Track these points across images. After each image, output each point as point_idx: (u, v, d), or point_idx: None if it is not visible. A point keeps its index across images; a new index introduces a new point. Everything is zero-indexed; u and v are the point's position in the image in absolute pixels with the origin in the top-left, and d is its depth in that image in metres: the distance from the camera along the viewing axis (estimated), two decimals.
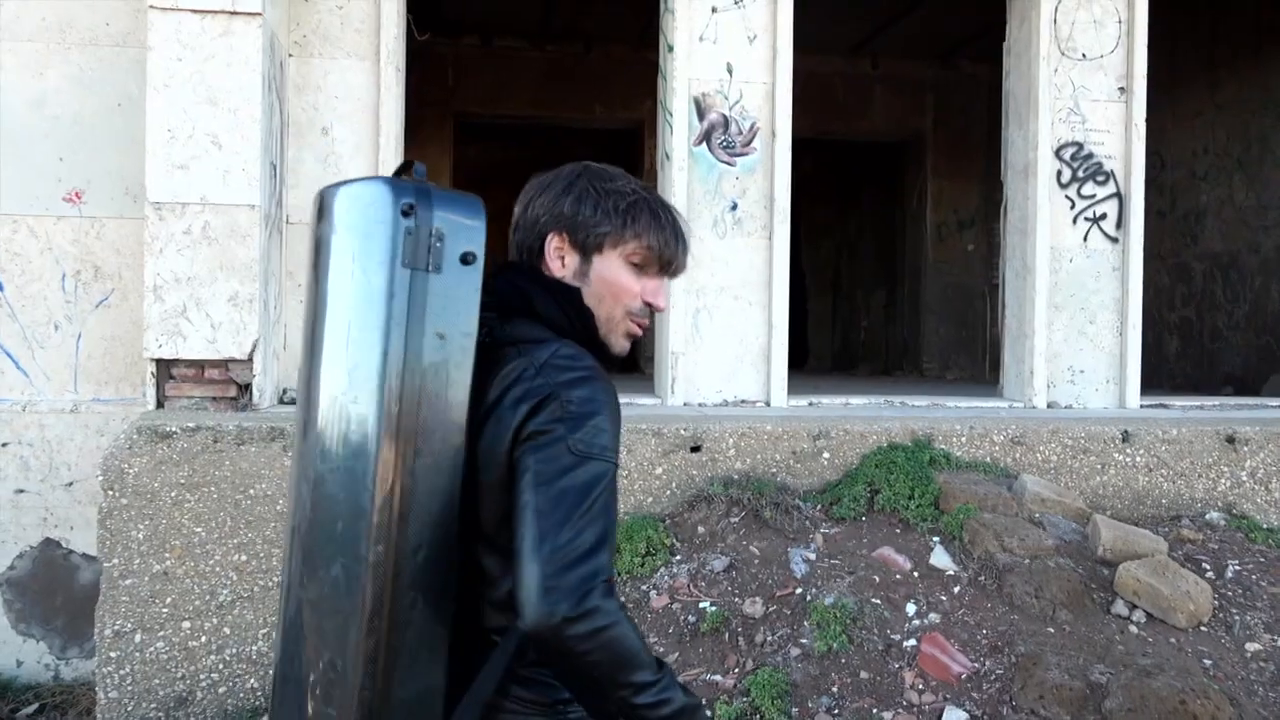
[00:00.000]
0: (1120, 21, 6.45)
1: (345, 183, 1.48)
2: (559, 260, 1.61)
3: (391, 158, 5.73)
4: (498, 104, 11.23)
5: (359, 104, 5.74)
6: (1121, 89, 6.42)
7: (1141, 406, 6.39)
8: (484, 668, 1.43)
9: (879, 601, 4.04)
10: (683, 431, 4.73)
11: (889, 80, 11.96)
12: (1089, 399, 6.41)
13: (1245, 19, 8.43)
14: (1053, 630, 3.88)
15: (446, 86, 11.06)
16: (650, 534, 4.54)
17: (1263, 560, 4.60)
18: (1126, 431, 5.08)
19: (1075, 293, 6.40)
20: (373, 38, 5.73)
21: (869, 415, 5.37)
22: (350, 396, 1.37)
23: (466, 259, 1.41)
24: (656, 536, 4.53)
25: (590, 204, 1.59)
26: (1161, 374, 9.18)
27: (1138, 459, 5.08)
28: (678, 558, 4.50)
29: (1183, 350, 9.23)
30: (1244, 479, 5.16)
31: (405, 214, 1.38)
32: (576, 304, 1.58)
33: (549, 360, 1.46)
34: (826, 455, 4.84)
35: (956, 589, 4.16)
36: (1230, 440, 5.15)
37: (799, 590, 4.20)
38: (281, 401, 5.52)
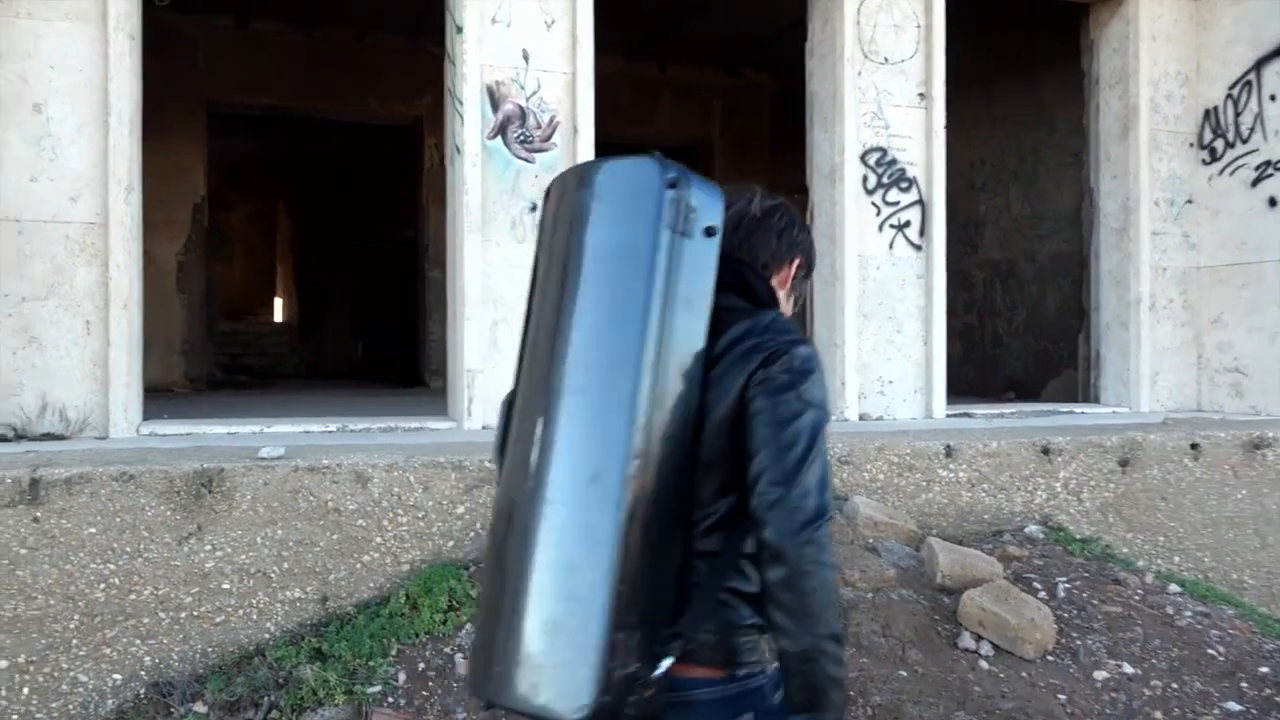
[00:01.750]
0: (919, 26, 6.36)
1: (608, 159, 1.64)
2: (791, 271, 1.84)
3: (124, 141, 4.80)
4: (254, 92, 10.14)
5: (81, 77, 4.76)
6: (922, 95, 6.34)
7: (948, 416, 6.32)
8: (705, 583, 1.57)
9: None
10: (488, 463, 4.12)
11: (677, 85, 11.76)
12: (898, 409, 6.27)
13: (1019, 38, 8.69)
14: (905, 674, 3.55)
15: (197, 70, 9.87)
16: (453, 584, 3.89)
17: (1087, 575, 4.50)
18: (949, 446, 4.90)
19: (883, 301, 6.25)
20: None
21: None
22: (614, 329, 1.51)
23: (710, 231, 1.57)
24: (460, 587, 3.89)
25: (802, 230, 1.87)
26: (948, 379, 9.34)
27: (960, 474, 4.90)
28: None
29: (966, 355, 9.44)
30: (1058, 489, 5.10)
31: (671, 185, 1.54)
32: (773, 292, 1.79)
33: (772, 324, 1.63)
34: None
35: None
36: (1045, 451, 5.07)
37: None
38: None
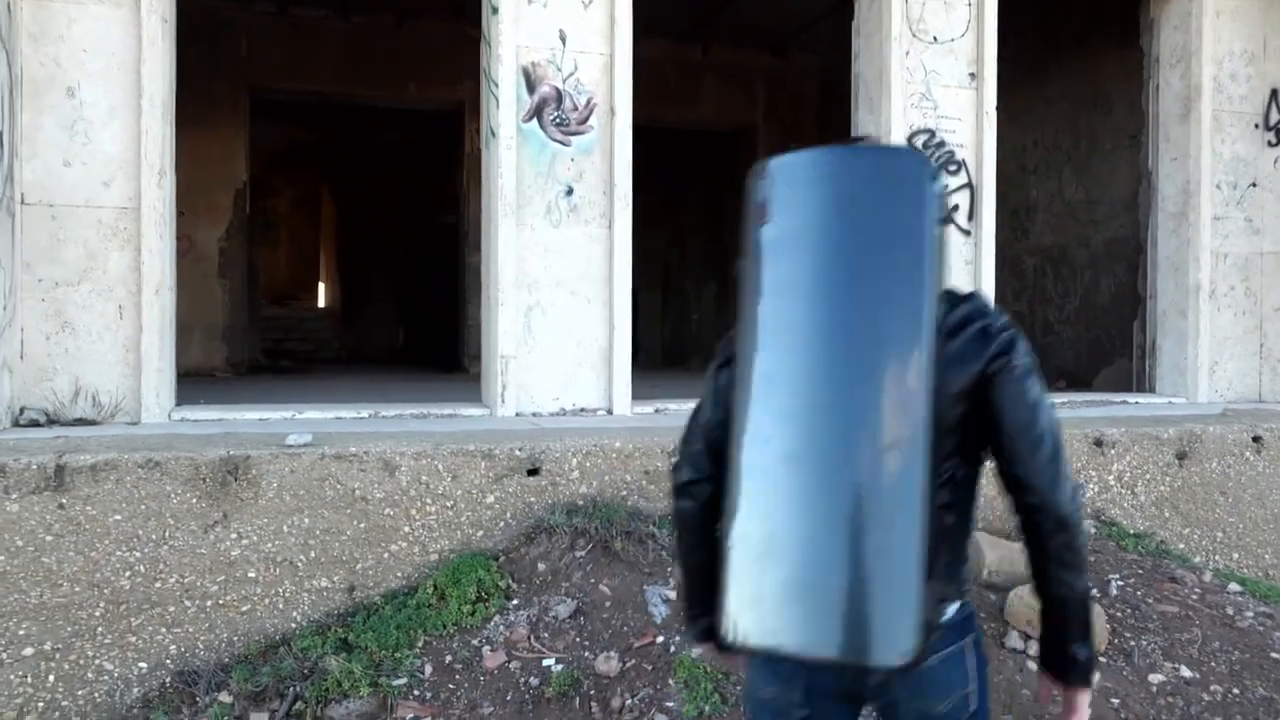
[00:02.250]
0: (970, 4, 6.14)
1: (862, 149, 1.79)
2: None
3: (157, 125, 4.75)
4: (297, 79, 10.12)
5: (114, 60, 4.72)
6: (972, 75, 6.12)
7: None
8: (946, 531, 1.71)
9: None
10: (518, 452, 4.02)
11: (720, 68, 11.57)
12: None
13: (1074, 14, 8.40)
14: None
15: (239, 57, 9.88)
16: (481, 575, 3.81)
17: (1141, 572, 4.31)
18: None
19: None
20: None
21: None
22: (906, 313, 1.61)
23: (946, 219, 1.72)
24: (489, 578, 3.81)
25: None
26: None
27: None
28: (515, 603, 3.79)
29: None
30: (1111, 483, 4.90)
31: (934, 177, 1.66)
32: None
33: (988, 308, 1.77)
34: None
35: None
36: (1098, 444, 4.87)
37: (660, 639, 3.57)
38: (18, 424, 4.46)
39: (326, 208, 17.08)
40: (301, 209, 17.74)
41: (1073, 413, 5.96)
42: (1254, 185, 6.82)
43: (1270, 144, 6.80)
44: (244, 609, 3.73)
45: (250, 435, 4.20)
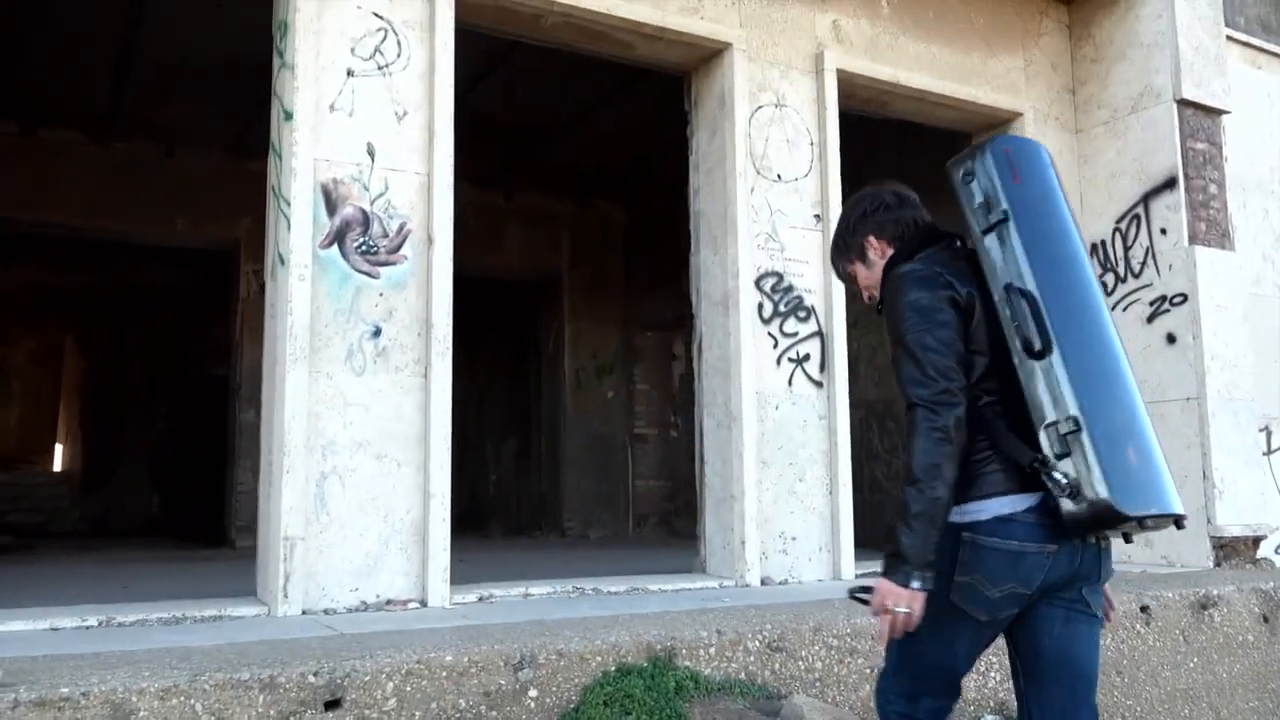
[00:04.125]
0: (812, 144, 5.81)
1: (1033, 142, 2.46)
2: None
3: None
4: (41, 208, 8.75)
5: None
6: (817, 216, 5.73)
7: (857, 576, 5.50)
8: None
9: None
10: (311, 677, 2.94)
11: (524, 214, 11.05)
12: (803, 570, 5.41)
13: (886, 167, 8.39)
14: None
15: None
16: None
17: None
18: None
19: (783, 445, 5.45)
20: None
21: (579, 624, 3.88)
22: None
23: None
24: None
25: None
26: None
27: None
28: None
29: None
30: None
31: None
32: None
33: None
34: (534, 693, 3.25)
35: None
36: None
37: None
38: None
39: (71, 359, 15.08)
40: (42, 361, 15.60)
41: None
42: None
43: None
44: None
45: None
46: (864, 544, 5.87)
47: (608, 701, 3.23)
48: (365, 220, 4.47)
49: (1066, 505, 2.05)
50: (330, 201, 4.41)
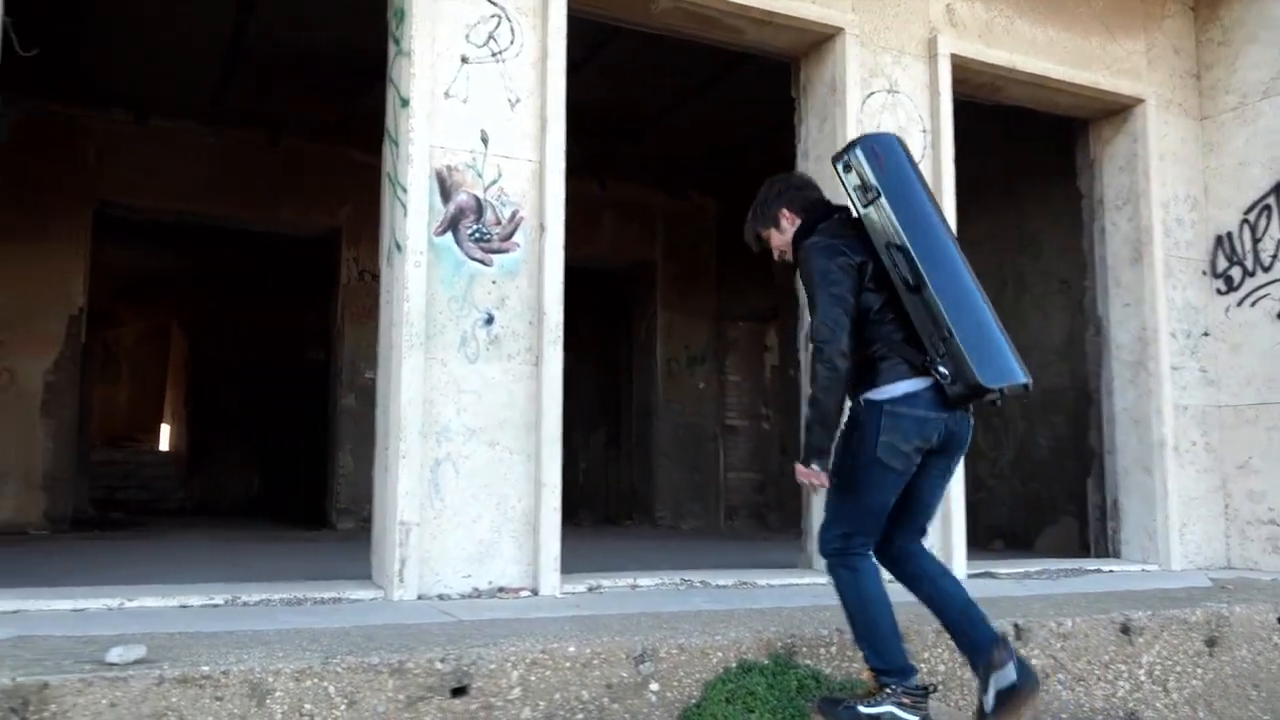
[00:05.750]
0: (925, 131, 5.66)
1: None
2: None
3: None
4: (154, 194, 8.97)
5: None
6: None
7: (969, 576, 5.36)
8: None
9: None
10: (438, 663, 2.95)
11: (618, 204, 11.01)
12: None
13: (993, 156, 8.15)
14: None
15: (86, 167, 8.70)
16: None
17: None
18: (1019, 625, 3.90)
19: None
20: None
21: (695, 618, 3.84)
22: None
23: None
24: None
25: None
26: None
27: (1034, 661, 3.88)
28: None
29: None
30: (1142, 678, 4.11)
31: None
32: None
33: None
34: (655, 687, 3.22)
35: None
36: (1125, 630, 4.11)
37: None
38: None
39: (177, 341, 15.57)
40: (148, 342, 16.15)
41: (1057, 586, 5.23)
42: (1206, 334, 6.46)
43: (1220, 292, 6.48)
44: None
45: (55, 643, 3.00)
46: (970, 541, 5.71)
47: (730, 698, 3.18)
48: (479, 207, 4.48)
49: (950, 387, 2.93)
50: (445, 188, 4.43)
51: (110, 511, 10.78)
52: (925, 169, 5.57)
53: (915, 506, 3.14)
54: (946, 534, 5.36)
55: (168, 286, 14.25)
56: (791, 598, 4.31)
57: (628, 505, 11.78)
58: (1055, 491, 7.62)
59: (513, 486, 4.38)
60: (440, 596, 4.16)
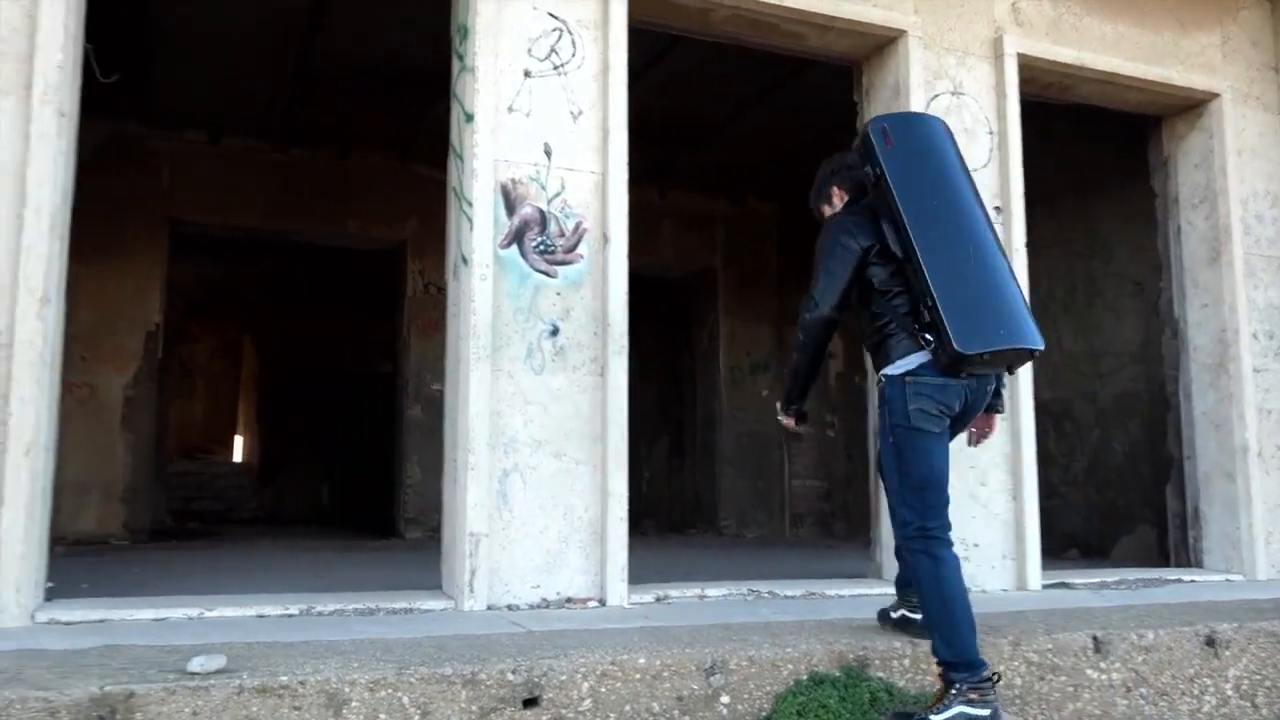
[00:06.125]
0: (991, 133, 5.57)
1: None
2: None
3: (43, 241, 3.75)
4: (225, 212, 9.21)
5: None
6: (998, 208, 5.48)
7: (1044, 587, 5.25)
8: None
9: None
10: (510, 675, 2.96)
11: (677, 213, 11.01)
12: (986, 579, 5.18)
13: (1061, 157, 7.99)
14: None
15: (160, 188, 8.96)
16: None
17: None
18: (1097, 638, 3.80)
19: (963, 447, 5.22)
20: (21, 64, 3.81)
21: (764, 629, 3.81)
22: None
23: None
24: None
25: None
26: None
27: (1114, 675, 3.79)
28: None
29: None
30: (1229, 693, 3.98)
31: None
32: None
33: None
34: (726, 699, 3.20)
35: None
36: (1210, 643, 3.98)
37: None
38: None
39: (248, 355, 15.93)
40: (221, 357, 16.56)
41: (1137, 596, 5.10)
42: None
43: None
44: None
45: (139, 652, 3.07)
46: (1043, 550, 5.58)
47: (801, 711, 3.15)
48: (542, 219, 4.51)
49: (938, 356, 3.07)
50: (509, 201, 4.46)
51: (187, 522, 11.05)
52: (992, 172, 5.51)
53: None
54: (1020, 543, 5.25)
55: (238, 300, 14.59)
56: (862, 608, 4.25)
57: (692, 514, 11.76)
58: (1131, 499, 7.43)
59: (579, 497, 4.39)
60: (509, 607, 4.18)
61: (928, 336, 3.07)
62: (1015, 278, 3.22)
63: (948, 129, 3.49)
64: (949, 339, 2.96)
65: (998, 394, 3.42)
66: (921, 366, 3.13)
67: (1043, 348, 3.15)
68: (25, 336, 3.68)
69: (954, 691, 2.99)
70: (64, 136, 3.88)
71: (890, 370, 3.21)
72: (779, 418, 3.58)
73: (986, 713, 2.95)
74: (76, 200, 4.08)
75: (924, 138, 3.35)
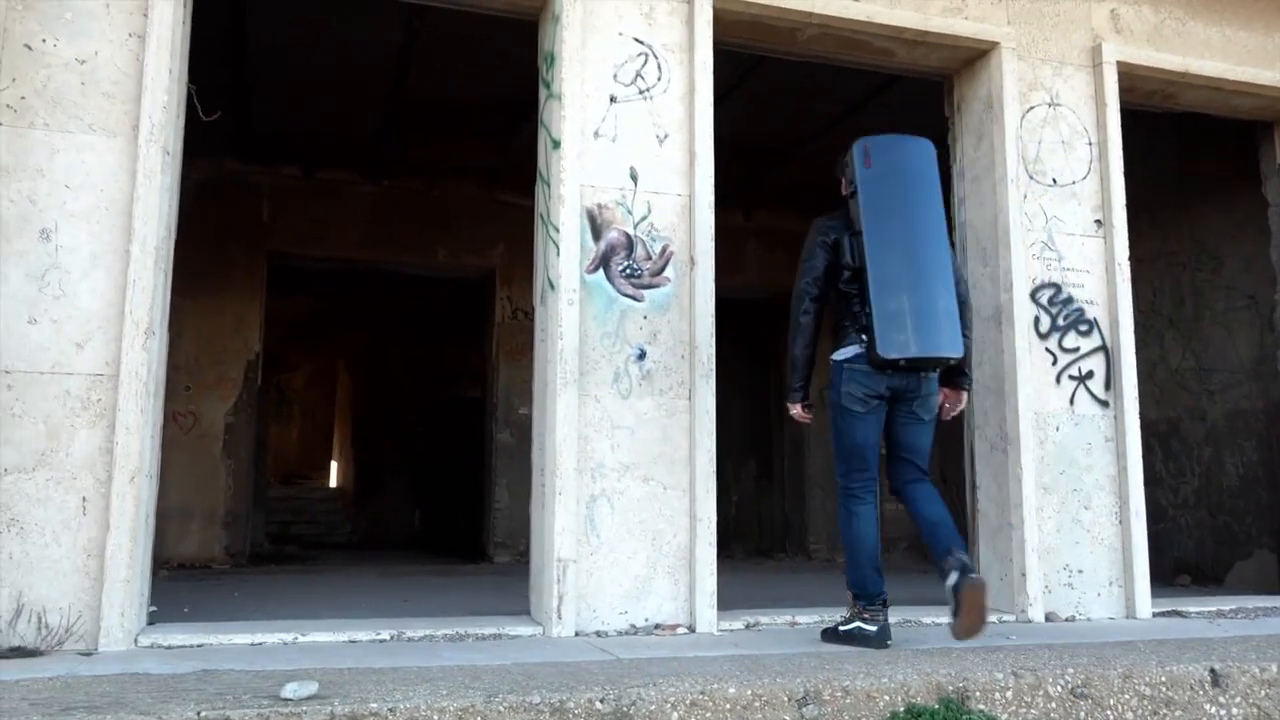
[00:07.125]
0: (1091, 144, 5.39)
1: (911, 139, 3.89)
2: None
3: (147, 274, 3.88)
4: (321, 244, 9.45)
5: (102, 197, 3.90)
6: (1099, 221, 5.30)
7: (1154, 615, 5.01)
8: None
9: None
10: (598, 704, 2.92)
11: (762, 234, 10.95)
12: (1092, 607, 4.97)
13: (1164, 167, 7.70)
14: None
15: (260, 222, 9.25)
16: None
17: None
18: (1215, 671, 3.59)
19: (1065, 469, 5.04)
20: (129, 105, 3.96)
21: (859, 658, 3.70)
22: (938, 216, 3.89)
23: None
24: None
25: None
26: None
27: (1234, 711, 3.57)
28: None
29: None
30: None
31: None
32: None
33: None
34: None
35: None
36: None
37: None
38: None
39: (343, 382, 16.31)
40: (317, 384, 16.99)
41: (1259, 626, 4.82)
42: None
43: None
44: None
45: (235, 677, 3.12)
46: (1152, 576, 5.34)
47: None
48: (629, 244, 4.50)
49: (871, 354, 3.68)
50: (595, 226, 4.47)
51: (284, 546, 11.31)
52: (1092, 184, 5.33)
53: (897, 448, 3.96)
54: (1127, 568, 5.03)
55: (333, 328, 14.96)
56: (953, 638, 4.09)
57: (780, 538, 11.59)
58: (1248, 523, 7.07)
59: (667, 522, 4.34)
60: (597, 633, 4.15)
61: (864, 336, 3.73)
62: (954, 291, 3.74)
63: (932, 152, 3.82)
64: (874, 343, 3.62)
65: (961, 373, 4.05)
66: (857, 356, 3.82)
67: (959, 356, 3.73)
68: (130, 367, 3.80)
69: (855, 610, 3.93)
70: (168, 173, 4.01)
71: (835, 356, 3.93)
72: (790, 411, 4.06)
73: (874, 628, 3.86)
74: (180, 234, 4.22)
75: (900, 161, 3.77)
